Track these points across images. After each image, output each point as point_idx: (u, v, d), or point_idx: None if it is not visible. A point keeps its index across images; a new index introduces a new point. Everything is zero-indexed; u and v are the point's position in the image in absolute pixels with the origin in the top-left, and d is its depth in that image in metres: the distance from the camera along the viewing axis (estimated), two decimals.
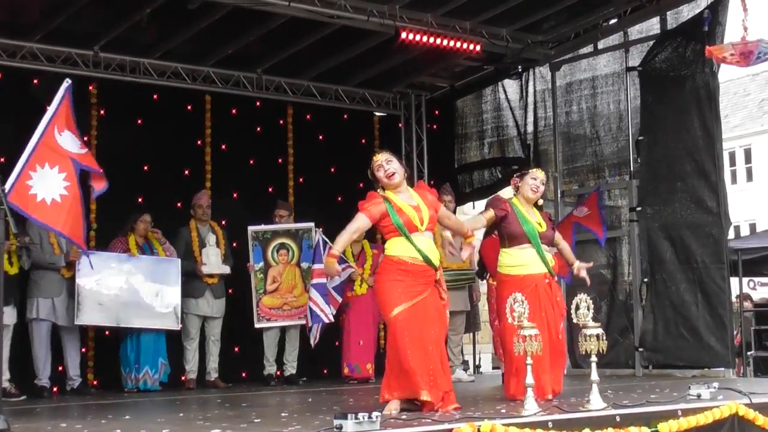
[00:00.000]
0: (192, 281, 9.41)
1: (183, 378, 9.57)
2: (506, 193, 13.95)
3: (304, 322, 9.59)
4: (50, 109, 5.99)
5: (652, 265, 9.88)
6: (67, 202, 5.92)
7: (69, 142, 6.03)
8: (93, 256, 8.87)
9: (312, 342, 9.46)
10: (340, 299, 9.49)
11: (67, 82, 6.10)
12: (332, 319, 9.32)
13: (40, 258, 8.69)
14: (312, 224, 9.89)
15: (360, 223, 6.08)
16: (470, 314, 10.12)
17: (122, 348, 9.16)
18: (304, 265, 9.75)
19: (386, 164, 6.14)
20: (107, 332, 9.37)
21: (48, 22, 9.25)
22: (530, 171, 7.12)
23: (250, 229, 9.77)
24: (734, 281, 10.90)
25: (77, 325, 8.87)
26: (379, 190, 6.17)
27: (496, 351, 9.13)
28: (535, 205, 7.06)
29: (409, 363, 5.85)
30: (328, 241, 9.47)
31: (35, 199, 5.79)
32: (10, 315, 8.31)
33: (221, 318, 9.68)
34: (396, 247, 6.06)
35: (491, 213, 6.90)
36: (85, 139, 9.87)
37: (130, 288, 8.95)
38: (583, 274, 7.13)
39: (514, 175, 7.27)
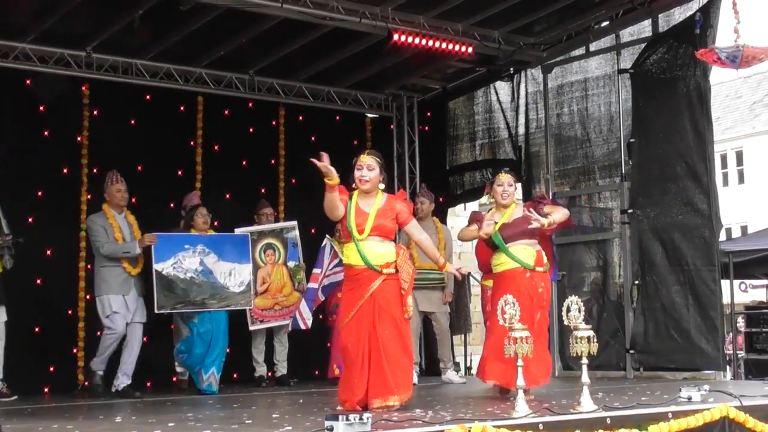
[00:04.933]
0: None
1: (174, 379, 9.56)
2: None
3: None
4: None
5: (643, 267, 9.88)
6: None
7: None
8: (164, 237, 8.61)
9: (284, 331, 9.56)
10: (322, 298, 9.49)
11: None
12: (309, 326, 9.28)
13: (114, 249, 8.37)
14: (295, 222, 9.89)
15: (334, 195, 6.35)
16: (461, 316, 10.10)
17: (190, 344, 8.78)
18: (291, 263, 9.75)
19: (367, 170, 6.37)
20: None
21: (40, 23, 9.24)
22: (496, 177, 7.35)
23: (237, 231, 9.72)
24: (725, 284, 10.91)
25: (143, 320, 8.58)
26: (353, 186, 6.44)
27: None
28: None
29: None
30: (335, 247, 9.37)
31: None
32: None
33: None
34: (347, 255, 6.41)
35: (474, 227, 7.19)
36: (78, 139, 9.95)
37: (205, 269, 8.78)
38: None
39: (487, 184, 7.47)
